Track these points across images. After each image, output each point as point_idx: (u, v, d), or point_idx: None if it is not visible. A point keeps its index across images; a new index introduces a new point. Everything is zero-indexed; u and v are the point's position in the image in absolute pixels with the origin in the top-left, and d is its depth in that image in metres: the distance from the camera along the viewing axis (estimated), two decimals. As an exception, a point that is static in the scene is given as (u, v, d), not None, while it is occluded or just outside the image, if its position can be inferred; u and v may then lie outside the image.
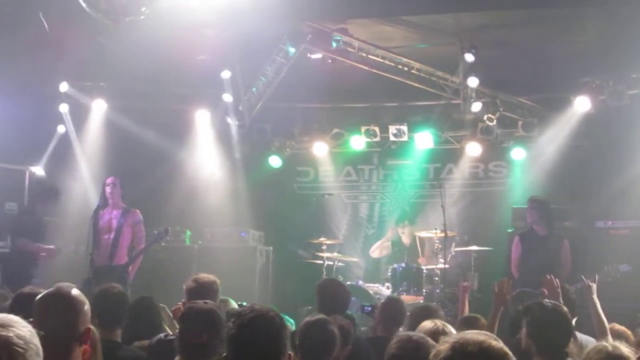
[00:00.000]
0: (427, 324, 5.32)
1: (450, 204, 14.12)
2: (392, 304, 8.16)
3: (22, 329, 2.68)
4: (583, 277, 7.83)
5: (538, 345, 5.34)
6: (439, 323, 5.35)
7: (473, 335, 3.11)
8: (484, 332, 3.22)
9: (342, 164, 15.68)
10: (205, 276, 7.09)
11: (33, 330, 2.73)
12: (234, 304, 7.47)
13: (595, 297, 7.34)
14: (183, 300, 6.81)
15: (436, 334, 4.91)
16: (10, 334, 2.61)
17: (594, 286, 7.48)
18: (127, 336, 6.43)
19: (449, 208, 12.97)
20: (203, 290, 6.58)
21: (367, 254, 14.77)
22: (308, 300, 10.94)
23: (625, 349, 4.25)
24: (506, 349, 3.10)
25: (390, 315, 7.75)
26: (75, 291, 4.05)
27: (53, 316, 3.81)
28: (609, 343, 4.48)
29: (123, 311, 6.46)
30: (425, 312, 6.80)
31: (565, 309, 5.65)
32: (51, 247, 11.67)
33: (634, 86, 12.75)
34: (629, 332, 7.11)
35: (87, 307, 4.01)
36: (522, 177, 14.35)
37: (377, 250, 13.90)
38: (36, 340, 2.70)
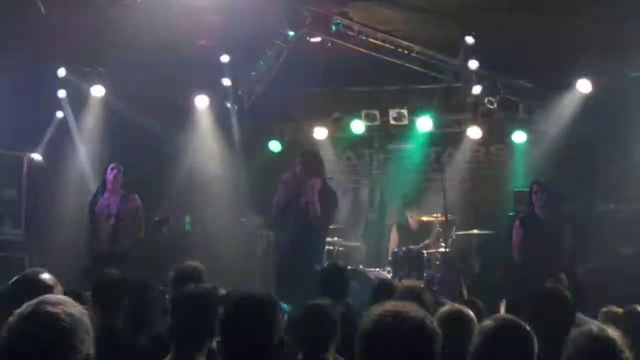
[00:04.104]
0: (444, 309, 5.27)
1: (451, 188, 14.08)
2: (380, 286, 8.13)
3: (72, 307, 2.82)
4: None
5: (539, 329, 5.30)
6: (456, 306, 5.30)
7: (394, 306, 3.13)
8: (412, 303, 3.22)
9: (343, 148, 15.61)
10: (187, 264, 7.07)
11: (84, 311, 2.87)
12: (223, 292, 7.42)
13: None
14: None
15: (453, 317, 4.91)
16: (59, 311, 2.74)
17: None
18: (124, 322, 6.38)
19: (449, 192, 12.92)
20: (183, 278, 6.53)
21: (368, 238, 14.77)
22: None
23: (611, 331, 4.19)
24: (427, 319, 3.12)
25: (377, 297, 7.68)
26: (43, 275, 4.07)
27: (19, 301, 3.81)
28: (595, 325, 4.44)
29: (121, 296, 6.40)
30: (409, 294, 6.73)
31: (567, 293, 5.60)
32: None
33: (636, 68, 12.69)
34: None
35: (56, 290, 4.02)
36: (523, 160, 14.27)
37: (392, 244, 13.71)
38: (86, 319, 2.83)
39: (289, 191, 10.65)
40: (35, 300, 2.83)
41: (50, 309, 2.75)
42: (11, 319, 2.78)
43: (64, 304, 2.80)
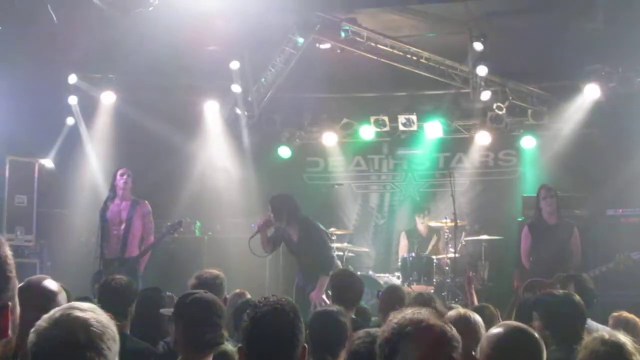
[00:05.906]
0: (452, 313, 5.28)
1: (460, 193, 14.10)
2: (389, 292, 8.15)
3: (101, 314, 2.82)
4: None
5: (555, 336, 5.30)
6: (462, 311, 5.32)
7: (414, 314, 3.15)
8: (429, 310, 3.24)
9: (352, 154, 15.65)
10: (208, 272, 6.99)
11: (111, 320, 2.86)
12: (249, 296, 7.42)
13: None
14: None
15: (460, 322, 4.92)
16: (88, 316, 2.74)
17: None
18: (132, 327, 6.40)
19: (459, 197, 12.94)
20: (205, 286, 6.54)
21: (377, 244, 14.83)
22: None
23: (622, 336, 4.20)
24: (447, 326, 3.14)
25: (386, 303, 7.71)
26: (47, 282, 4.11)
27: (24, 309, 3.84)
28: (607, 331, 4.44)
29: (128, 302, 6.40)
30: (419, 301, 6.76)
31: (577, 297, 5.62)
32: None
33: (644, 73, 12.70)
34: (637, 319, 7.09)
35: (60, 296, 4.04)
36: (532, 165, 14.30)
37: (401, 250, 13.74)
38: (113, 327, 2.83)
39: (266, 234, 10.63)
40: (65, 305, 2.84)
41: (79, 313, 2.76)
42: (40, 322, 2.78)
43: (92, 310, 2.81)
